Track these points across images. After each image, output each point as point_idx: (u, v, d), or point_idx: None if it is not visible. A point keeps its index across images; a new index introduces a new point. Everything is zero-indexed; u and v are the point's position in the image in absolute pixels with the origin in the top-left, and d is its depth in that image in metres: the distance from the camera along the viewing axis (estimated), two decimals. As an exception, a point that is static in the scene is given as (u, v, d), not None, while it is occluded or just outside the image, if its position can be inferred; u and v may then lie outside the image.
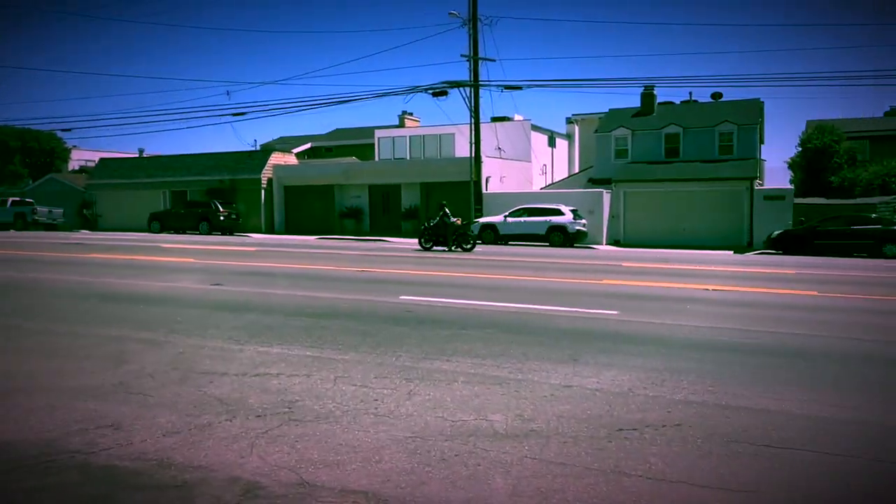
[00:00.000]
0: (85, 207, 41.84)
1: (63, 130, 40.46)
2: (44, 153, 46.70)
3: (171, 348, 5.99)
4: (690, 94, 40.05)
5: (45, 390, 4.71)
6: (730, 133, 33.18)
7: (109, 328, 6.96)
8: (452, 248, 19.90)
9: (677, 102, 39.00)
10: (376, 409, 4.37)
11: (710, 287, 11.06)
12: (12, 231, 36.16)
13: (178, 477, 3.27)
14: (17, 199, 39.64)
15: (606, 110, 39.04)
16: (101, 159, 44.81)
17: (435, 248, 20.24)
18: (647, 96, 36.63)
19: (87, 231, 37.96)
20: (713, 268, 15.75)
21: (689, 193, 29.01)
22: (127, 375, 5.12)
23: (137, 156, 48.64)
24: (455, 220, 20.49)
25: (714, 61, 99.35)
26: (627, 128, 34.96)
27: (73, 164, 52.80)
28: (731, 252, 23.78)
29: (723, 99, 37.72)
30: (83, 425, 3.98)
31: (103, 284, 10.75)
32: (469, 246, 20.01)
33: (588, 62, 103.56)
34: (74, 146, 51.80)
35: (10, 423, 4.04)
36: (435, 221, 20.52)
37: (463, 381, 5.04)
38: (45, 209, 38.56)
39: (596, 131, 36.58)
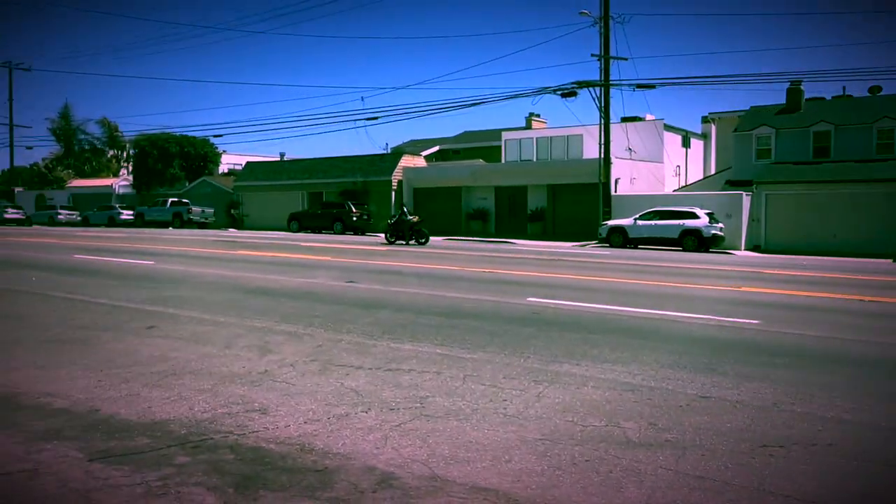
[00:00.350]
0: (232, 207, 44.79)
1: (215, 136, 44.03)
2: (198, 157, 51.09)
3: (310, 341, 6.19)
4: (844, 88, 36.76)
5: (204, 374, 5.02)
6: (890, 130, 30.10)
7: (253, 320, 7.41)
8: (410, 241, 24.30)
9: (828, 98, 35.94)
10: (505, 409, 4.36)
11: (867, 298, 10.07)
12: (170, 228, 39.65)
13: (318, 462, 3.41)
14: (175, 199, 43.28)
15: (747, 108, 36.70)
16: (248, 162, 47.89)
17: (397, 241, 24.70)
18: (794, 92, 34.03)
19: (234, 230, 40.42)
20: (867, 277, 14.42)
21: (841, 195, 26.70)
22: (271, 364, 5.35)
23: (279, 159, 51.55)
24: (412, 217, 24.51)
25: (869, 53, 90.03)
26: (771, 126, 32.66)
27: (223, 167, 57.20)
28: (891, 260, 21.55)
29: (882, 93, 34.30)
30: (234, 408, 4.22)
31: (248, 279, 11.16)
32: (424, 240, 24.03)
33: (725, 58, 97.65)
34: (224, 150, 56.09)
35: (177, 403, 4.35)
36: (394, 219, 24.82)
37: (593, 386, 4.95)
38: (198, 209, 41.74)
39: (735, 130, 34.46)
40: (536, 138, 40.38)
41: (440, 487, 3.16)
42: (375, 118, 33.84)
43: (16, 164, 59.28)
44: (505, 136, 41.47)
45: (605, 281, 11.84)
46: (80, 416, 4.02)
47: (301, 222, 35.13)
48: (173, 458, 3.40)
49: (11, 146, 55.62)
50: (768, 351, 6.22)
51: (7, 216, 48.42)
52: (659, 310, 8.35)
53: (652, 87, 27.91)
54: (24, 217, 48.46)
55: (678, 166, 39.46)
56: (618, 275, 13.02)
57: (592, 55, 29.47)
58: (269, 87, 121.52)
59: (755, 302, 9.50)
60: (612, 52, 29.15)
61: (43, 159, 67.03)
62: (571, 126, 38.78)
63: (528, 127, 44.26)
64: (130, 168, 58.89)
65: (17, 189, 57.69)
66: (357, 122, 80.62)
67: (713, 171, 39.92)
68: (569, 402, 4.53)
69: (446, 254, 18.70)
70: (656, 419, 4.20)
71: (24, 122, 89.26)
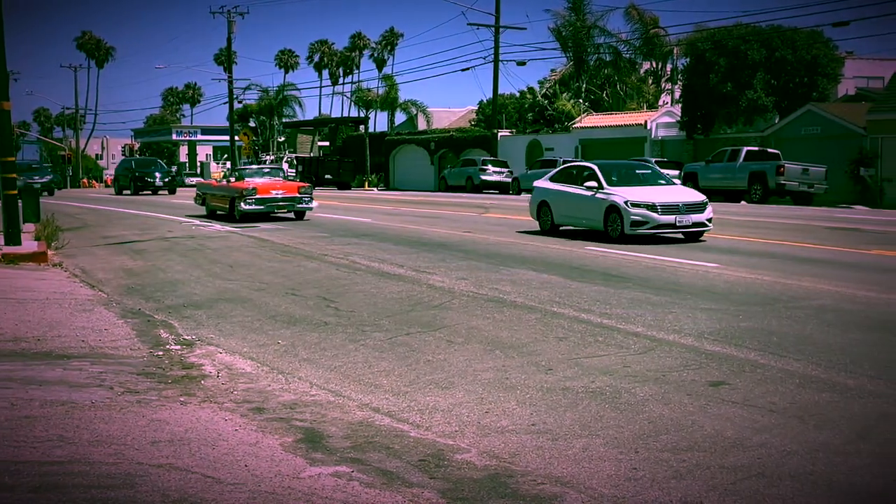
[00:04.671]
0: (861, 164, 41.56)
1: (836, 25, 40.42)
2: (800, 68, 48.21)
3: None
4: None
5: None
6: None
7: None
8: None
9: None
10: None
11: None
12: (743, 202, 38.04)
13: None
14: (756, 149, 42.22)
15: None
16: None
17: None
18: None
19: (863, 207, 38.39)
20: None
21: None
22: None
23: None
24: None
25: None
26: None
27: (845, 87, 53.83)
28: None
29: None
30: None
31: None
32: None
33: None
34: (850, 53, 52.61)
35: None
36: None
37: None
38: (797, 167, 39.57)
39: None
40: None
41: None
42: None
43: (500, 91, 65.88)
44: None
45: None
46: None
47: None
48: None
49: (496, 57, 61.30)
50: None
51: (485, 177, 53.93)
52: None
53: None
54: (509, 180, 53.29)
55: None
56: None
57: None
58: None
59: None
60: None
61: (541, 82, 73.72)
62: None
63: None
64: (678, 93, 59.89)
65: (501, 133, 64.51)
66: None
67: None
68: None
69: None
70: None
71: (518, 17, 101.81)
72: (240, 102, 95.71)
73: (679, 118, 53.50)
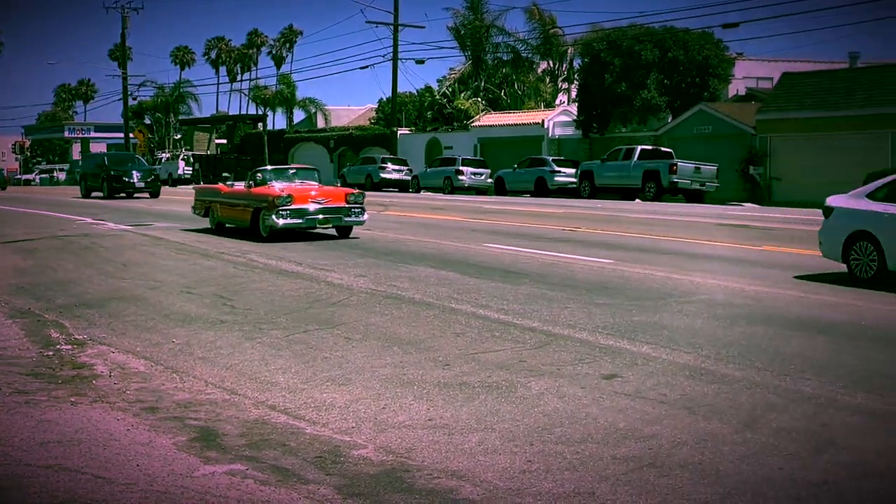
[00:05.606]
0: (751, 163, 42.49)
1: (726, 26, 41.41)
2: (692, 69, 49.14)
3: None
4: None
5: None
6: None
7: None
8: None
9: None
10: None
11: None
12: (637, 201, 38.69)
13: None
14: (649, 147, 43.17)
15: None
16: (784, 75, 45.28)
17: None
18: None
19: (752, 205, 39.33)
20: None
21: None
22: None
23: (846, 66, 47.75)
24: None
25: None
26: None
27: (736, 88, 55.02)
28: None
29: None
30: None
31: None
32: None
33: None
34: (739, 54, 53.78)
35: None
36: None
37: None
38: (689, 165, 40.23)
39: None
40: None
41: None
42: None
43: (400, 89, 66.10)
44: None
45: None
46: None
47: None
48: None
49: (395, 55, 61.62)
50: None
51: (385, 175, 53.78)
52: None
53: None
54: (408, 178, 53.28)
55: None
56: None
57: None
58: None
59: None
60: None
61: (440, 80, 74.03)
62: None
63: None
64: (574, 93, 60.61)
65: (401, 131, 64.54)
66: None
67: None
68: None
69: None
70: None
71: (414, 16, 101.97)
72: (135, 99, 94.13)
73: (575, 117, 54.12)
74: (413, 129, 66.91)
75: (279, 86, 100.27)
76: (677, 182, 40.01)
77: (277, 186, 21.68)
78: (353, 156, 64.38)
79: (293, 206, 20.72)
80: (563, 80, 70.64)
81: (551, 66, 71.53)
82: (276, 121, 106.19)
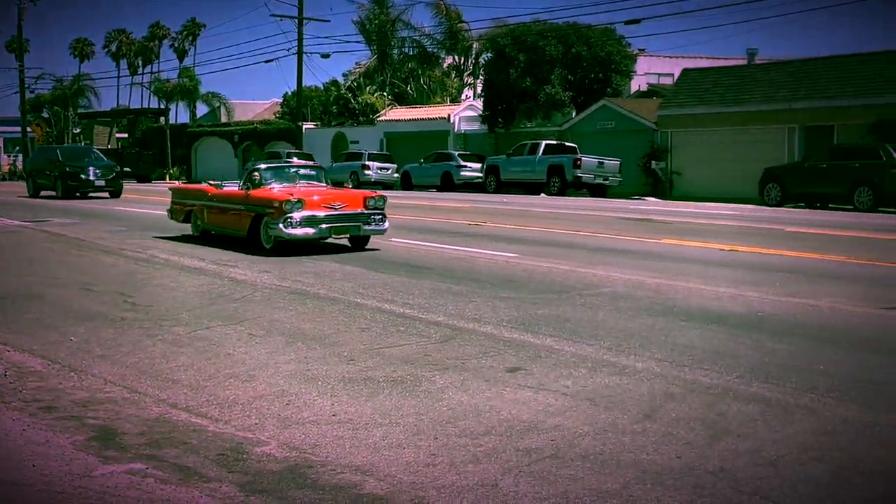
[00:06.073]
0: (653, 158, 43.18)
1: (627, 23, 41.99)
2: (595, 65, 49.89)
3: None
4: None
5: None
6: None
7: None
8: None
9: None
10: None
11: None
12: (542, 195, 38.99)
13: None
14: (554, 143, 43.44)
15: None
16: (684, 71, 46.23)
17: None
18: None
19: (654, 199, 39.85)
20: None
21: None
22: None
23: (745, 62, 48.62)
24: None
25: None
26: None
27: (638, 84, 55.85)
28: None
29: None
30: None
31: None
32: None
33: None
34: (641, 51, 54.63)
35: None
36: None
37: None
38: (592, 160, 40.72)
39: None
40: None
41: None
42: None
43: (305, 83, 65.50)
44: None
45: None
46: None
47: (786, 186, 34.56)
48: None
49: (300, 49, 61.22)
50: None
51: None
52: None
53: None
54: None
55: None
56: None
57: None
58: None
59: None
60: None
61: (345, 74, 73.80)
62: None
63: None
64: (480, 88, 60.89)
65: (306, 126, 64.15)
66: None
67: None
68: None
69: None
70: None
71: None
72: (32, 92, 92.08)
73: (481, 112, 54.42)
74: (319, 123, 66.64)
75: (182, 79, 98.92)
76: (581, 177, 40.56)
77: (277, 188, 18.45)
78: (258, 151, 63.93)
79: (305, 213, 17.18)
80: (469, 75, 70.99)
81: (457, 61, 71.82)
82: (179, 115, 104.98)
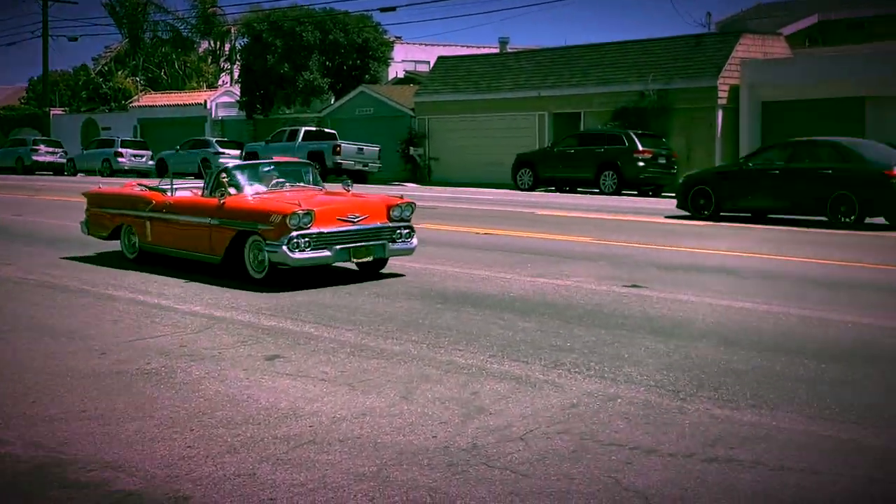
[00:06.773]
0: (411, 144, 43.74)
1: (383, 10, 42.32)
2: (353, 51, 50.03)
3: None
4: None
5: None
6: None
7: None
8: None
9: None
10: None
11: None
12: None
13: None
14: (313, 129, 43.40)
15: None
16: (440, 58, 46.96)
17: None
18: None
19: (414, 185, 40.41)
20: None
21: None
22: None
23: (497, 52, 49.82)
24: None
25: None
26: None
27: (395, 71, 56.34)
28: None
29: None
30: None
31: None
32: None
33: None
34: (398, 38, 55.19)
35: None
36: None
37: None
38: (352, 147, 40.85)
39: None
40: None
41: None
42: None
43: (52, 67, 62.80)
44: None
45: None
46: None
47: (538, 171, 35.81)
48: None
49: (45, 32, 58.59)
50: None
51: (38, 158, 50.92)
52: None
53: None
54: (63, 160, 50.76)
55: None
56: None
57: None
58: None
59: None
60: None
61: (95, 59, 71.09)
62: None
63: None
64: (237, 73, 59.99)
65: (54, 111, 61.45)
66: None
67: None
68: None
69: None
70: None
71: None
72: None
73: (239, 98, 53.70)
74: (68, 109, 63.99)
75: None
76: (342, 163, 40.63)
77: (250, 193, 13.65)
78: (2, 137, 60.79)
79: (314, 230, 12.25)
80: (226, 61, 69.90)
81: (213, 45, 70.54)
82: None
